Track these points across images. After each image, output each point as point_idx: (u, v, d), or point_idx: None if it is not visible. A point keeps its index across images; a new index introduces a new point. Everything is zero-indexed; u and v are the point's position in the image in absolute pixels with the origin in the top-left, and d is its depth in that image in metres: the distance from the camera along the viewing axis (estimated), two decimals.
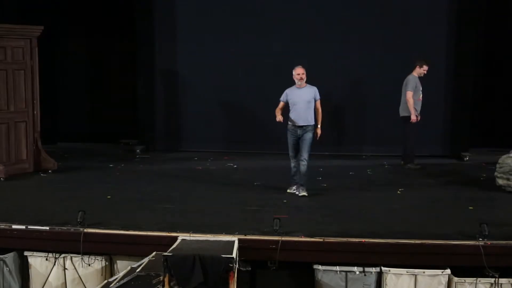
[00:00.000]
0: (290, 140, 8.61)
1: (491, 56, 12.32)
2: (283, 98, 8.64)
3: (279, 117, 8.52)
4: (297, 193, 8.54)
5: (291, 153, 8.66)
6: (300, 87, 8.57)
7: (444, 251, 6.41)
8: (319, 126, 8.61)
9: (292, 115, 8.52)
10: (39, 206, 7.96)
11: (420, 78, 10.54)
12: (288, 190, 8.69)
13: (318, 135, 8.63)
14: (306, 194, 8.44)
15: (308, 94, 8.54)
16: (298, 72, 8.54)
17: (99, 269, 6.79)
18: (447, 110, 11.97)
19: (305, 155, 8.51)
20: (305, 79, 8.56)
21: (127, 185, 9.24)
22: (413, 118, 10.36)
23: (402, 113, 10.55)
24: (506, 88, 12.41)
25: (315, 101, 8.57)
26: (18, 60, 9.69)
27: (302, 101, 8.48)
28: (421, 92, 10.49)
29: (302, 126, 8.46)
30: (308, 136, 8.51)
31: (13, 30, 9.58)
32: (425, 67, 10.50)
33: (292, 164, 8.69)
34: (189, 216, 7.48)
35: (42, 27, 9.82)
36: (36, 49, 9.86)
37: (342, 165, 11.02)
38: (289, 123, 8.58)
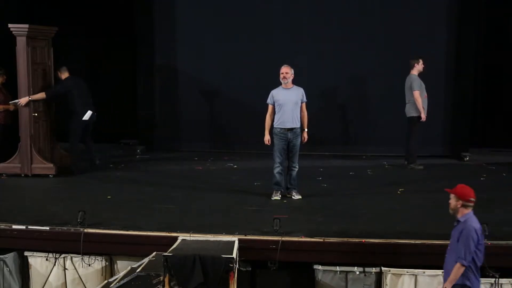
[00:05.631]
0: (279, 144, 8.26)
1: (491, 56, 12.31)
2: (270, 100, 8.33)
3: (267, 137, 8.35)
4: (292, 197, 8.40)
5: (278, 159, 8.29)
6: (286, 88, 8.29)
7: (444, 251, 6.38)
8: (306, 129, 8.36)
9: (279, 117, 8.24)
10: (39, 206, 7.97)
11: (420, 76, 10.52)
12: (274, 198, 8.31)
13: (305, 139, 8.39)
14: (301, 197, 8.39)
15: (295, 95, 8.25)
16: (282, 71, 8.24)
17: (99, 269, 6.81)
18: (447, 110, 11.95)
19: (296, 163, 8.36)
20: (289, 79, 8.25)
21: (127, 185, 9.24)
22: (423, 116, 10.33)
23: (410, 113, 10.46)
24: (506, 88, 12.41)
25: (301, 102, 8.30)
26: (43, 61, 9.86)
27: (289, 102, 8.19)
28: (425, 90, 10.50)
29: (292, 129, 8.22)
30: (298, 142, 8.29)
31: (40, 31, 9.71)
32: (421, 61, 10.49)
33: (277, 170, 8.30)
34: (189, 216, 7.49)
35: (57, 28, 10.01)
36: (52, 49, 10.03)
37: (342, 166, 11.02)
38: (276, 126, 8.28)
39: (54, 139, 10.18)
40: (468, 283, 5.32)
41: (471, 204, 5.41)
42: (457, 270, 5.27)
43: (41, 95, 9.69)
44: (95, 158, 10.52)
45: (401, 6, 11.82)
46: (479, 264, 5.37)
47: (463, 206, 5.41)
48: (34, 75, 9.59)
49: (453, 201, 5.47)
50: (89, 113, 10.10)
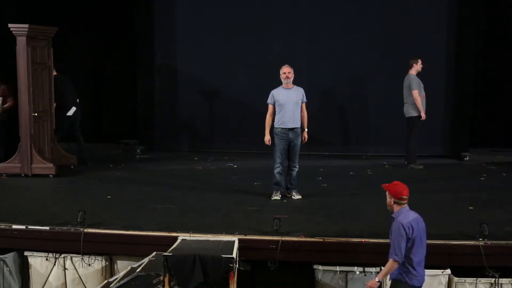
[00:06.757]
0: (280, 144, 8.27)
1: (491, 56, 12.31)
2: (270, 100, 8.33)
3: (268, 137, 8.36)
4: (292, 197, 8.40)
5: (279, 159, 8.29)
6: (287, 88, 8.30)
7: (444, 251, 6.41)
8: (306, 129, 8.38)
9: (279, 117, 8.25)
10: (39, 206, 7.97)
11: (419, 76, 10.52)
12: (274, 198, 8.32)
13: (306, 139, 8.42)
14: (301, 197, 8.40)
15: (295, 95, 8.26)
16: (284, 71, 8.26)
17: (99, 269, 6.80)
18: (447, 110, 11.96)
19: (296, 163, 8.37)
20: (291, 78, 8.27)
21: (127, 185, 9.24)
22: (423, 115, 10.34)
23: (409, 113, 10.46)
24: (506, 88, 12.41)
25: (301, 102, 8.31)
26: (43, 60, 9.86)
27: (290, 102, 8.20)
28: (423, 90, 10.49)
29: (293, 129, 8.23)
30: (299, 141, 8.32)
31: (40, 31, 9.71)
32: (420, 61, 10.50)
33: (277, 170, 8.31)
34: (189, 216, 7.49)
35: (57, 28, 10.03)
36: (52, 49, 10.04)
37: (343, 166, 11.02)
38: (277, 126, 8.29)
39: (54, 139, 10.18)
40: (403, 278, 5.36)
41: (404, 201, 5.48)
42: (389, 265, 5.34)
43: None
44: (84, 158, 10.62)
45: (401, 6, 11.82)
46: (416, 259, 5.36)
47: (396, 203, 5.48)
48: (34, 75, 9.59)
49: (388, 198, 5.55)
50: (73, 109, 10.38)
